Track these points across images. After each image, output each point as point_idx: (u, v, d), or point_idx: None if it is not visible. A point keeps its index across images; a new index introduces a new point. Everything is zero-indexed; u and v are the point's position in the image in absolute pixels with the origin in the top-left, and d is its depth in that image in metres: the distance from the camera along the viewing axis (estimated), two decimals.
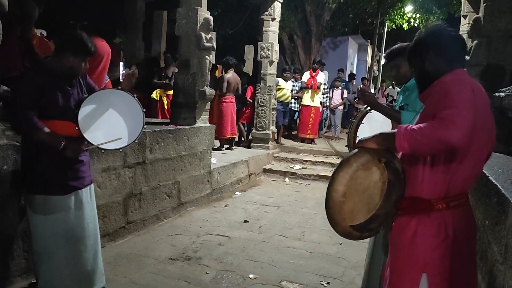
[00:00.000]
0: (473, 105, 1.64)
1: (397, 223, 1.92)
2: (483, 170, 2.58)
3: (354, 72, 18.71)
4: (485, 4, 4.78)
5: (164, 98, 7.84)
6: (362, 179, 1.80)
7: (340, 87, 11.00)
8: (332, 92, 10.83)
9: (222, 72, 8.88)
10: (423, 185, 1.82)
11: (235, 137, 8.32)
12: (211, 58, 6.02)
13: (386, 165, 1.83)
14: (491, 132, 1.82)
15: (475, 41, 4.90)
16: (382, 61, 20.72)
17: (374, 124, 3.18)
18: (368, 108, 3.18)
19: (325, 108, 10.99)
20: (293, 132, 10.90)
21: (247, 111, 9.10)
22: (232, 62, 8.05)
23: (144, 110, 2.95)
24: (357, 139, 3.03)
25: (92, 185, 2.97)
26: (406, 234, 1.85)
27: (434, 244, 1.79)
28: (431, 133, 1.61)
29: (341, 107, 11.09)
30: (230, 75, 7.93)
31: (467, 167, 1.78)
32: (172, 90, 7.55)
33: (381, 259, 2.74)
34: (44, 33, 5.32)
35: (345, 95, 11.07)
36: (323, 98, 10.46)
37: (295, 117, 10.66)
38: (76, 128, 2.66)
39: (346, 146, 3.37)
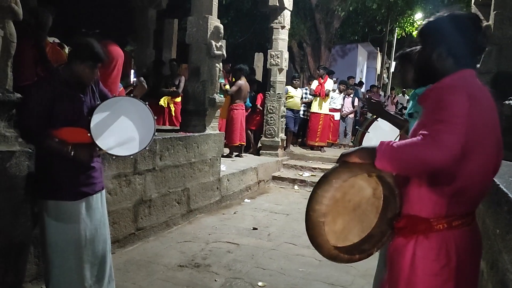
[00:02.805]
0: (468, 120, 1.47)
1: (394, 245, 1.74)
2: (494, 178, 2.56)
3: (363, 79, 18.70)
4: (495, 12, 4.77)
5: (172, 105, 7.89)
6: (351, 196, 1.65)
7: (351, 95, 10.99)
8: (343, 99, 10.81)
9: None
10: (421, 203, 1.64)
11: (244, 144, 8.34)
12: (221, 66, 6.07)
13: (380, 180, 1.68)
14: (497, 143, 1.63)
15: (486, 49, 4.88)
16: (392, 69, 20.70)
17: (380, 133, 3.12)
18: (375, 116, 3.15)
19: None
20: (299, 140, 10.87)
21: (257, 117, 9.12)
22: (247, 70, 8.13)
23: (156, 117, 2.98)
24: None
25: (104, 191, 3.00)
26: (405, 257, 1.67)
27: (435, 270, 1.62)
28: (412, 153, 1.46)
29: (351, 115, 11.08)
30: (243, 82, 7.98)
31: (471, 182, 1.59)
32: (180, 98, 7.62)
33: (382, 270, 2.70)
34: (57, 41, 5.38)
35: (356, 103, 11.05)
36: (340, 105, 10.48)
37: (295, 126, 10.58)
38: (88, 134, 2.70)
39: None
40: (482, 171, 1.62)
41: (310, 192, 1.63)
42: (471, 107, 1.49)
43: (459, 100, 1.49)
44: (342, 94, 10.49)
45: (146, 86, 3.06)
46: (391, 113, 3.01)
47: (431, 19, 1.72)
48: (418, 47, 2.50)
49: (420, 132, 1.51)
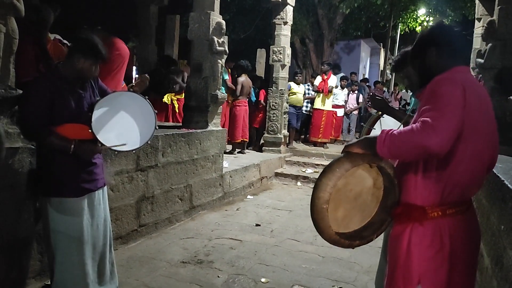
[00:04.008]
0: (461, 107, 1.56)
1: (393, 232, 1.83)
2: (498, 174, 2.55)
3: (367, 75, 18.66)
4: (499, 7, 4.73)
5: (175, 102, 7.88)
6: (353, 185, 1.74)
7: (356, 92, 10.93)
8: (348, 96, 10.76)
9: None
10: (416, 191, 1.73)
11: (247, 141, 8.34)
12: (223, 62, 6.05)
13: (380, 170, 1.75)
14: (492, 136, 1.72)
15: (490, 44, 4.84)
16: None
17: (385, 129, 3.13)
18: (380, 112, 3.14)
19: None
20: (302, 136, 10.85)
21: (260, 114, 9.10)
22: (247, 66, 8.10)
23: (156, 111, 2.97)
24: None
25: (106, 187, 3.00)
26: (402, 244, 1.76)
27: (429, 254, 1.70)
28: (410, 138, 1.54)
29: (356, 112, 11.03)
30: (244, 78, 7.97)
31: (463, 173, 1.68)
32: (183, 94, 7.60)
33: (384, 265, 2.70)
34: (59, 38, 5.38)
35: (360, 100, 11.00)
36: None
37: (297, 122, 10.55)
38: (90, 130, 2.69)
39: None
40: (476, 161, 1.69)
41: (315, 182, 1.72)
42: (464, 96, 1.58)
43: (451, 89, 1.59)
44: (345, 90, 10.44)
45: (147, 83, 3.05)
46: (396, 109, 3.00)
47: (423, 32, 1.92)
48: (408, 48, 2.59)
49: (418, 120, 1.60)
